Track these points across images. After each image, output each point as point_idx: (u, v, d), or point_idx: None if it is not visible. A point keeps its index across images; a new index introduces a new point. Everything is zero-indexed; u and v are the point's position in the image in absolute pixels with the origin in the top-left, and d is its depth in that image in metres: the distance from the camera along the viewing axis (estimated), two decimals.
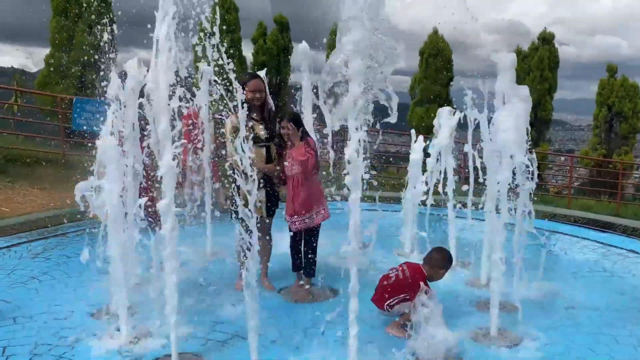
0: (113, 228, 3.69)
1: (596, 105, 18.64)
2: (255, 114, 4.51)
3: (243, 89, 4.35)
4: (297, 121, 4.52)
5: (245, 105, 3.36)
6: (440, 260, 4.01)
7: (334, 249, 5.17)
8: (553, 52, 18.07)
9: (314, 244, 4.67)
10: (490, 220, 4.20)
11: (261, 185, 4.40)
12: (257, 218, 3.39)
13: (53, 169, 10.37)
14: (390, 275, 4.01)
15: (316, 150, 4.60)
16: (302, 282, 4.74)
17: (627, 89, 18.11)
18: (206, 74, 5.49)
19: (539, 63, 17.91)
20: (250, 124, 4.42)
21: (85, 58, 12.99)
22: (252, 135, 4.36)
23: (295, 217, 4.54)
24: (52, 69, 13.49)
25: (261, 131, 4.51)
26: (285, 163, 4.53)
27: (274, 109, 4.80)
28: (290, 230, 4.64)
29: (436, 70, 18.22)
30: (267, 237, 4.67)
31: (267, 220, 4.66)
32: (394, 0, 3.25)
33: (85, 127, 9.79)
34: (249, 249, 3.20)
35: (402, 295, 3.86)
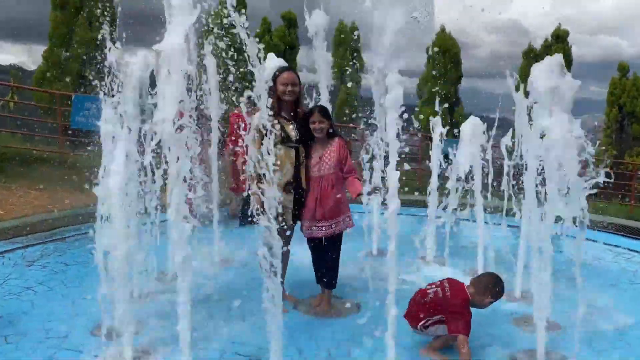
0: (117, 230, 3.27)
1: (607, 105, 18.21)
2: (284, 112, 4.09)
3: (274, 82, 4.02)
4: (328, 115, 4.09)
5: (270, 101, 3.01)
6: (491, 287, 3.52)
7: (351, 256, 4.75)
8: (567, 50, 17.61)
9: (337, 253, 4.24)
10: (536, 229, 3.77)
11: (288, 188, 4.04)
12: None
13: (51, 168, 9.97)
14: (429, 291, 3.58)
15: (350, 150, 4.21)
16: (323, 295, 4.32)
17: (638, 88, 17.71)
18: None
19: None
20: (274, 122, 3.94)
21: (86, 54, 12.61)
22: (280, 135, 3.94)
23: (323, 222, 4.08)
24: (50, 65, 13.07)
25: (292, 131, 4.07)
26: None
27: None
28: (311, 241, 4.22)
29: (444, 69, 17.81)
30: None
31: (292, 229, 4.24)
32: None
33: (84, 125, 9.44)
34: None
35: (438, 317, 3.44)
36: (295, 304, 4.30)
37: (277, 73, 4.09)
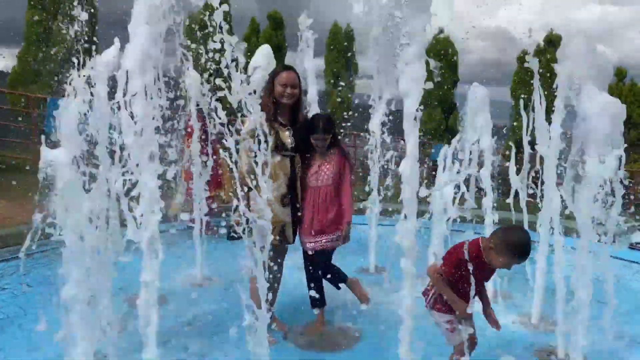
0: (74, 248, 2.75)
1: None
2: (281, 116, 3.61)
3: (271, 82, 3.57)
4: (331, 129, 3.69)
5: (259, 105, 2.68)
6: (513, 242, 2.74)
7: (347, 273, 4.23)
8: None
9: (327, 268, 3.85)
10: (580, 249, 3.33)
11: (286, 201, 3.58)
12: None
13: (22, 176, 9.35)
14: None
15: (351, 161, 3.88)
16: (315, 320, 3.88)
17: (636, 94, 17.44)
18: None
19: (546, 66, 16.93)
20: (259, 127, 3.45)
21: (63, 55, 12.05)
22: (276, 142, 3.48)
23: (323, 236, 3.70)
24: (25, 65, 12.50)
25: (287, 138, 3.58)
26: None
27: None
28: (308, 257, 3.82)
29: (441, 72, 17.42)
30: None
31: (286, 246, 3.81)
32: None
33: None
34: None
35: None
36: (285, 333, 3.77)
37: (276, 71, 3.64)
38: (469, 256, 2.75)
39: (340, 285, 3.93)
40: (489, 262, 2.80)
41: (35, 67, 12.93)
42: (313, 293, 3.76)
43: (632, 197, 13.45)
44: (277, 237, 3.50)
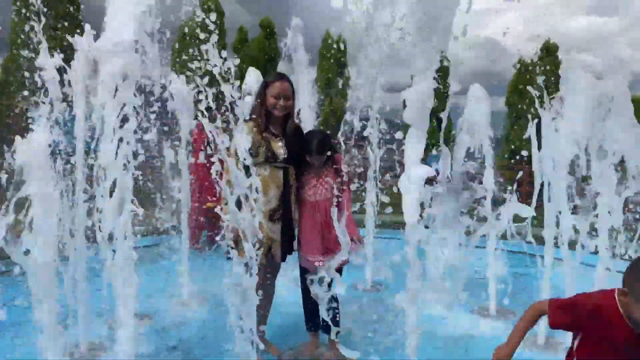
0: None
1: None
2: (272, 127, 3.38)
3: (263, 92, 3.36)
4: (326, 149, 3.42)
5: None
6: None
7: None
8: (557, 63, 17.27)
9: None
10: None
11: (276, 217, 3.34)
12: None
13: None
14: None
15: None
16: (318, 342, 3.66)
17: None
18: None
19: (544, 72, 17.00)
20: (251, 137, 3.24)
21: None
22: (266, 153, 3.27)
23: (325, 257, 3.40)
24: (11, 72, 12.26)
25: (280, 149, 3.34)
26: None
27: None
28: (306, 273, 3.50)
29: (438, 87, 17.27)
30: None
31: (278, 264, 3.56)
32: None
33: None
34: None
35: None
36: (279, 357, 3.52)
37: (267, 81, 3.41)
38: (598, 314, 1.99)
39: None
40: (633, 323, 1.96)
41: (20, 75, 12.67)
42: (312, 315, 3.55)
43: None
44: (265, 257, 3.25)
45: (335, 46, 17.44)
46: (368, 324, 4.10)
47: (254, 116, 3.35)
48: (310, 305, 3.56)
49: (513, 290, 4.33)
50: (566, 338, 3.78)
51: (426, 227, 4.04)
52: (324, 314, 3.32)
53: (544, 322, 3.81)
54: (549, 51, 17.91)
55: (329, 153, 3.44)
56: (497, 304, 4.58)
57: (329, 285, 3.40)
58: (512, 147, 15.64)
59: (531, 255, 4.14)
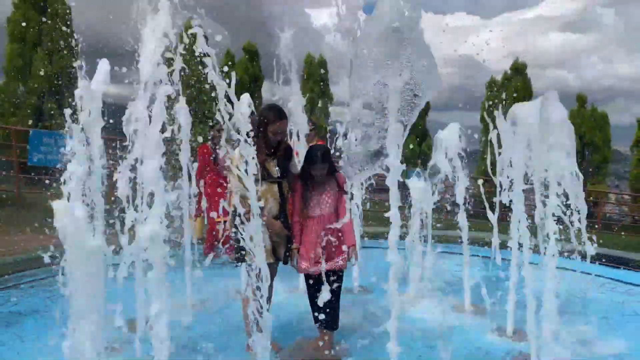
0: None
1: None
2: (266, 149, 3.87)
3: (264, 124, 3.79)
4: (328, 159, 3.91)
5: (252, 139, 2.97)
6: None
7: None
8: (526, 82, 18.07)
9: (339, 290, 3.98)
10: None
11: (280, 221, 3.81)
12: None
13: (5, 209, 9.36)
14: None
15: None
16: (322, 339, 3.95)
17: (596, 119, 18.25)
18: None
19: (513, 93, 17.83)
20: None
21: (45, 88, 12.13)
22: (262, 172, 3.70)
23: (335, 258, 3.90)
24: (6, 99, 12.48)
25: (273, 167, 3.87)
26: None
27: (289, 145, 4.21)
28: (309, 279, 3.98)
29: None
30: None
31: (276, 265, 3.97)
32: None
33: (43, 162, 8.94)
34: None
35: None
36: (280, 354, 3.87)
37: (270, 119, 3.81)
38: None
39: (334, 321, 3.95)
40: None
41: (15, 99, 12.91)
42: (324, 314, 3.81)
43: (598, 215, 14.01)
44: (272, 256, 3.74)
45: (317, 66, 17.98)
46: (356, 323, 4.54)
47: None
48: (316, 304, 3.86)
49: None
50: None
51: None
52: (326, 311, 3.76)
53: (511, 315, 4.37)
54: (518, 70, 18.67)
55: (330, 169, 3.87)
56: (470, 302, 5.06)
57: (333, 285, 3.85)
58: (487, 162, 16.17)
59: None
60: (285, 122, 3.90)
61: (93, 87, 3.52)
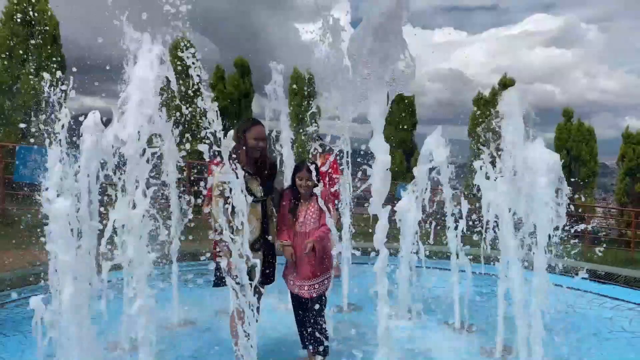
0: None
1: (555, 150, 18.59)
2: (249, 167, 3.79)
3: (241, 137, 3.75)
4: (315, 170, 3.89)
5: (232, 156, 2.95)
6: None
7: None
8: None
9: (323, 311, 3.97)
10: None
11: (257, 247, 3.73)
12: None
13: None
14: None
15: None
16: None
17: (583, 132, 18.45)
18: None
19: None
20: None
21: (32, 103, 12.06)
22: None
23: (314, 280, 3.87)
24: None
25: (256, 187, 3.78)
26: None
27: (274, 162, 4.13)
28: (296, 300, 3.95)
29: (400, 115, 18.11)
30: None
31: (262, 289, 3.91)
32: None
33: (29, 179, 8.85)
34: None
35: None
36: None
37: (246, 126, 3.83)
38: None
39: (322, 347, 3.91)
40: None
41: (3, 115, 12.82)
42: (314, 339, 3.86)
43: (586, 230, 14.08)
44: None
45: (305, 81, 18.09)
46: (345, 340, 4.51)
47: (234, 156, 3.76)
48: (303, 327, 3.95)
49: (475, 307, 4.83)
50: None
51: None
52: (313, 332, 3.78)
53: (500, 337, 4.37)
54: (506, 86, 18.88)
55: (315, 188, 3.78)
56: (460, 319, 5.06)
57: (319, 305, 3.86)
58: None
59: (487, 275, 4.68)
60: (260, 127, 3.85)
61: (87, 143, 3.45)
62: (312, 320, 3.90)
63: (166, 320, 4.96)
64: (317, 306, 3.89)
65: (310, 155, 6.95)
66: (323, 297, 3.97)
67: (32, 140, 12.03)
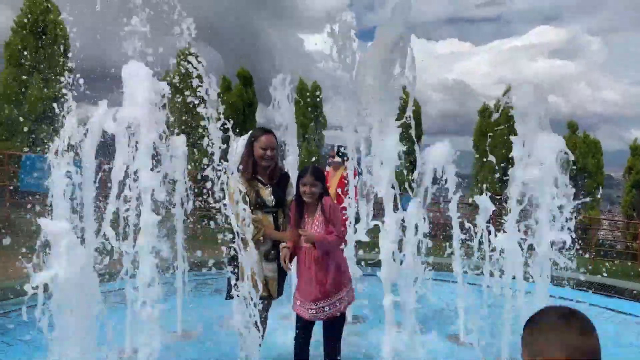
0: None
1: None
2: (260, 175, 3.81)
3: (251, 144, 3.77)
4: (321, 177, 3.58)
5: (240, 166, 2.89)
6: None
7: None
8: None
9: (339, 338, 3.61)
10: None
11: (271, 257, 3.72)
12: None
13: None
14: None
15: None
16: None
17: (589, 144, 18.38)
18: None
19: (506, 119, 17.69)
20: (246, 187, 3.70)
21: (39, 112, 12.13)
22: (256, 199, 3.69)
23: (323, 302, 3.46)
24: None
25: (268, 196, 3.77)
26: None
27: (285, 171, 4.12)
28: (300, 321, 3.62)
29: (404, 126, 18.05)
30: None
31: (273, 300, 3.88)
32: None
33: (34, 187, 8.89)
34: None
35: None
36: None
37: (255, 135, 3.82)
38: None
39: None
40: None
41: (10, 124, 12.89)
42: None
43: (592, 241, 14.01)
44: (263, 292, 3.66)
45: (309, 93, 18.15)
46: (352, 353, 4.48)
47: (241, 167, 3.75)
48: (302, 352, 3.62)
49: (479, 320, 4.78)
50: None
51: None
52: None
53: (504, 347, 4.33)
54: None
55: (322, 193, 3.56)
56: (465, 332, 5.01)
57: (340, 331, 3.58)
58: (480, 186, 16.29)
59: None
60: (269, 136, 3.82)
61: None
62: (326, 347, 3.53)
63: (168, 329, 4.94)
64: (331, 329, 3.52)
65: (328, 167, 6.94)
66: (340, 319, 3.58)
67: (38, 148, 12.10)
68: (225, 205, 3.05)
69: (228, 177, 3.44)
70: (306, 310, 3.52)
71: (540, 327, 1.47)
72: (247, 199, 3.56)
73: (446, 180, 5.16)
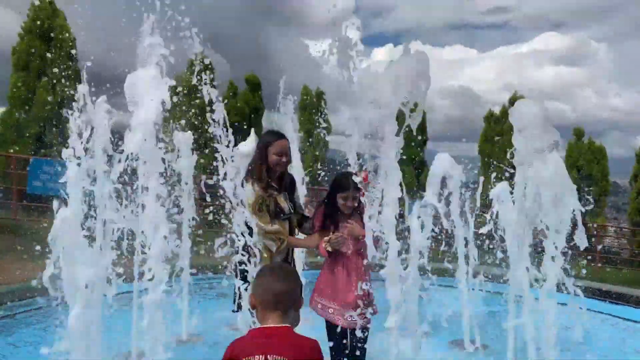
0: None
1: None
2: (273, 182, 3.65)
3: (265, 149, 3.62)
4: (357, 186, 3.40)
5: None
6: None
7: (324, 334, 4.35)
8: None
9: (365, 349, 3.51)
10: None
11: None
12: None
13: (2, 236, 9.30)
14: None
15: None
16: None
17: (594, 151, 18.34)
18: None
19: (511, 126, 17.63)
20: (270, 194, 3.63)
21: (46, 116, 12.22)
22: (275, 208, 3.57)
23: (360, 310, 3.40)
24: (8, 127, 12.59)
25: (284, 203, 3.65)
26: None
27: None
28: (331, 329, 3.46)
29: (410, 131, 18.05)
30: None
31: None
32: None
33: (42, 190, 8.95)
34: None
35: None
36: None
37: (269, 140, 3.64)
38: None
39: None
40: None
41: (18, 128, 13.00)
42: None
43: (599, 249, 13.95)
44: None
45: (314, 99, 18.23)
46: None
47: (252, 174, 3.64)
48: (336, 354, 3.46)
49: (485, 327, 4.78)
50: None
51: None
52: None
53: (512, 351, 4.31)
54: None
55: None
56: (469, 338, 5.00)
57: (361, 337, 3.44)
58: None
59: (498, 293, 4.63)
60: (284, 141, 3.65)
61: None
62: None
63: (174, 333, 4.95)
64: (357, 339, 3.37)
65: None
66: (366, 329, 3.49)
67: (44, 152, 12.19)
68: (233, 213, 3.04)
69: (243, 185, 3.45)
70: (356, 318, 3.41)
71: (259, 275, 2.13)
72: (267, 208, 3.48)
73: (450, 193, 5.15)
